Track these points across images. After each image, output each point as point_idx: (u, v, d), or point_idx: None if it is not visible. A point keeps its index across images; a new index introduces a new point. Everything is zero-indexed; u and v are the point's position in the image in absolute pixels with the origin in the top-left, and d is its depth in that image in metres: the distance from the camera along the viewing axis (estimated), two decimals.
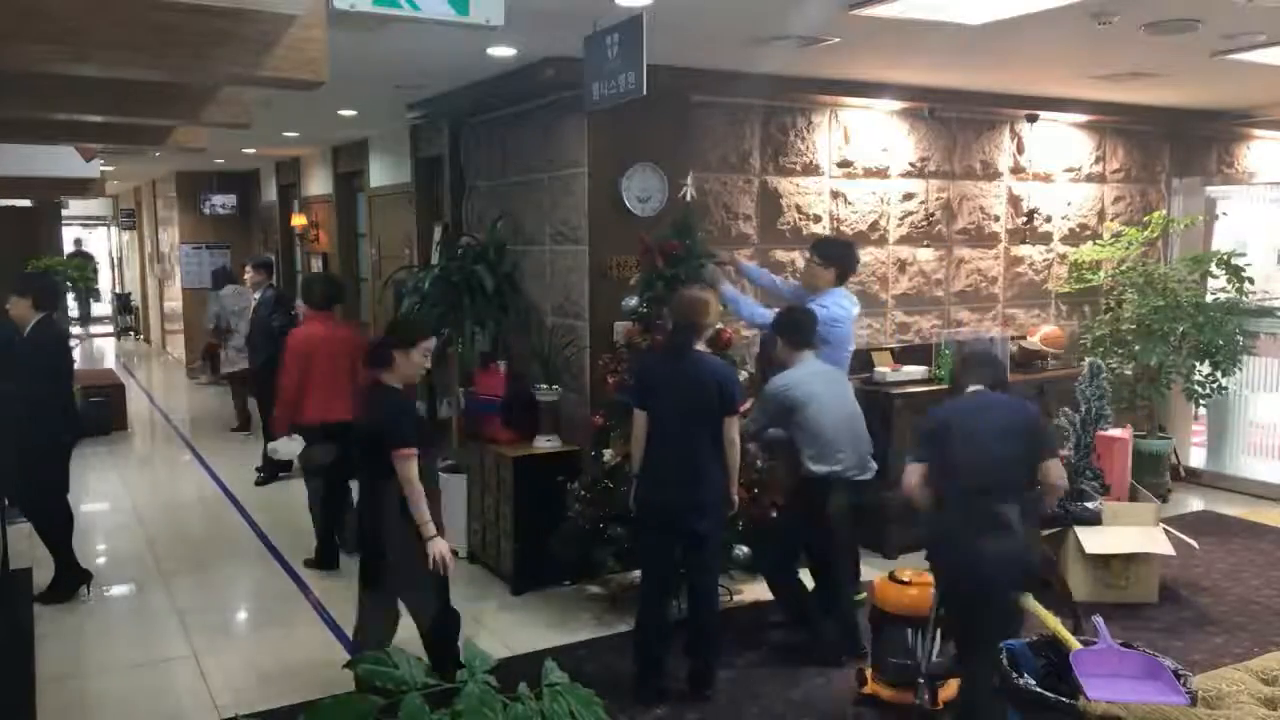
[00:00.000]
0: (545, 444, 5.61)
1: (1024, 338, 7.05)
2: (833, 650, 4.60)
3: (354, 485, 4.83)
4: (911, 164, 6.71)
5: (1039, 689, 3.10)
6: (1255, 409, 7.80)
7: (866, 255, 6.60)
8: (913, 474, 3.74)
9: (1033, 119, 7.10)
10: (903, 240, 6.74)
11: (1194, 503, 7.32)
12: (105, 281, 20.07)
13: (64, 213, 12.28)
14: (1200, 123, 7.70)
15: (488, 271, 5.84)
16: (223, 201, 13.91)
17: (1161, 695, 3.04)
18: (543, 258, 6.10)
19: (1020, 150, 7.19)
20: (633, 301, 5.18)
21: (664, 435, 4.26)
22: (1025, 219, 7.23)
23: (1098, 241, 7.46)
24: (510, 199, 6.42)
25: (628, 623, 4.71)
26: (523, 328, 5.99)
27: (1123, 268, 7.28)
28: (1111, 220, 7.64)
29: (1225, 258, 6.98)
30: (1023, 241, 7.28)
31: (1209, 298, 7.11)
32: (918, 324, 6.87)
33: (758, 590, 5.40)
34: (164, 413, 11.47)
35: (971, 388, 3.79)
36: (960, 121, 6.88)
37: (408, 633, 5.07)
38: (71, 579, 5.55)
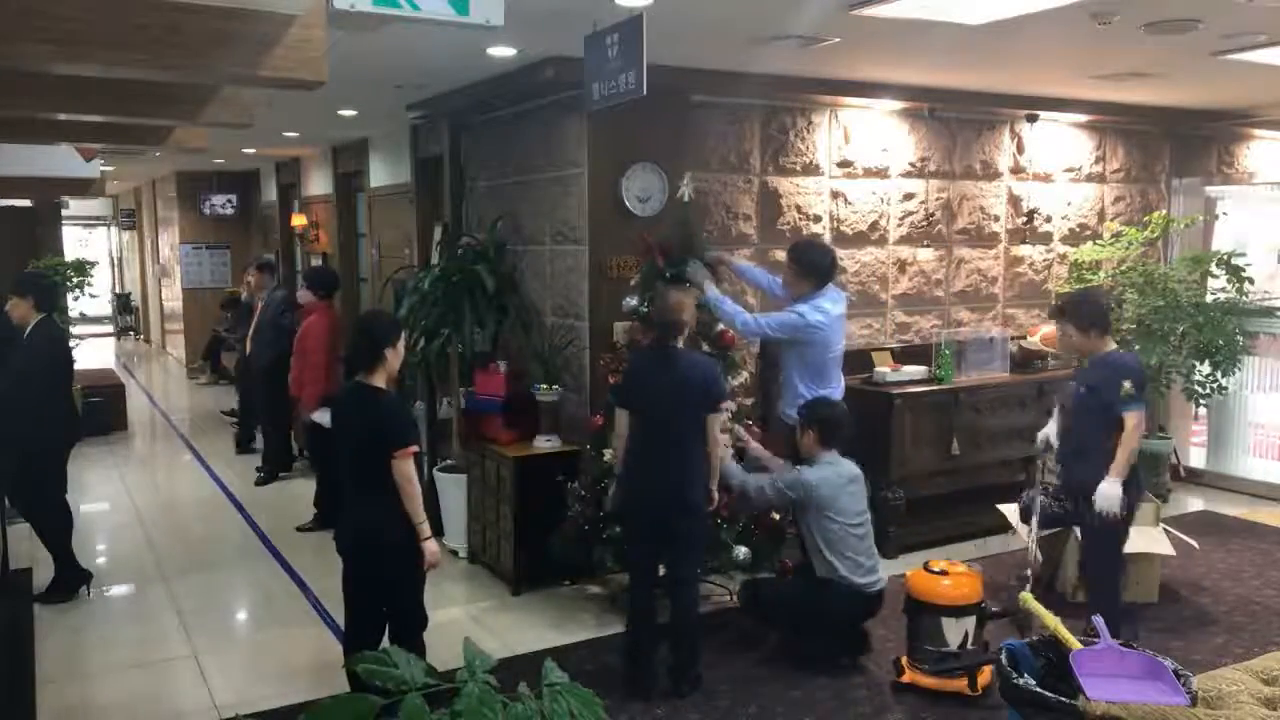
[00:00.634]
0: (545, 444, 5.61)
1: (1024, 338, 7.05)
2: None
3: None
4: (911, 164, 6.71)
5: (1039, 689, 3.09)
6: (1255, 409, 7.80)
7: (866, 255, 6.60)
8: None
9: (1033, 119, 7.10)
10: (903, 240, 6.74)
11: (1194, 503, 7.33)
12: (105, 281, 20.07)
13: (64, 213, 12.26)
14: (1200, 123, 7.70)
15: (488, 271, 5.84)
16: (223, 201, 13.92)
17: (1162, 695, 3.04)
18: (543, 258, 6.10)
19: (1020, 150, 7.19)
20: (633, 301, 5.18)
21: (647, 433, 4.30)
22: (1025, 219, 7.23)
23: (1098, 241, 7.45)
24: (510, 199, 6.42)
25: None
26: (523, 328, 5.99)
27: (1123, 268, 7.28)
28: (1111, 220, 7.63)
29: (1225, 258, 6.98)
30: (1023, 241, 7.28)
31: (1209, 298, 7.11)
32: (918, 324, 6.87)
33: None
34: (164, 413, 11.47)
35: None
36: (960, 121, 6.88)
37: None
38: (71, 579, 5.55)
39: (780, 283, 5.31)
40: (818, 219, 6.37)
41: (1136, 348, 6.89)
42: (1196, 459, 8.01)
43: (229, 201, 13.96)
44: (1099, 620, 3.40)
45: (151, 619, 5.32)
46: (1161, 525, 5.40)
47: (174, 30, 3.01)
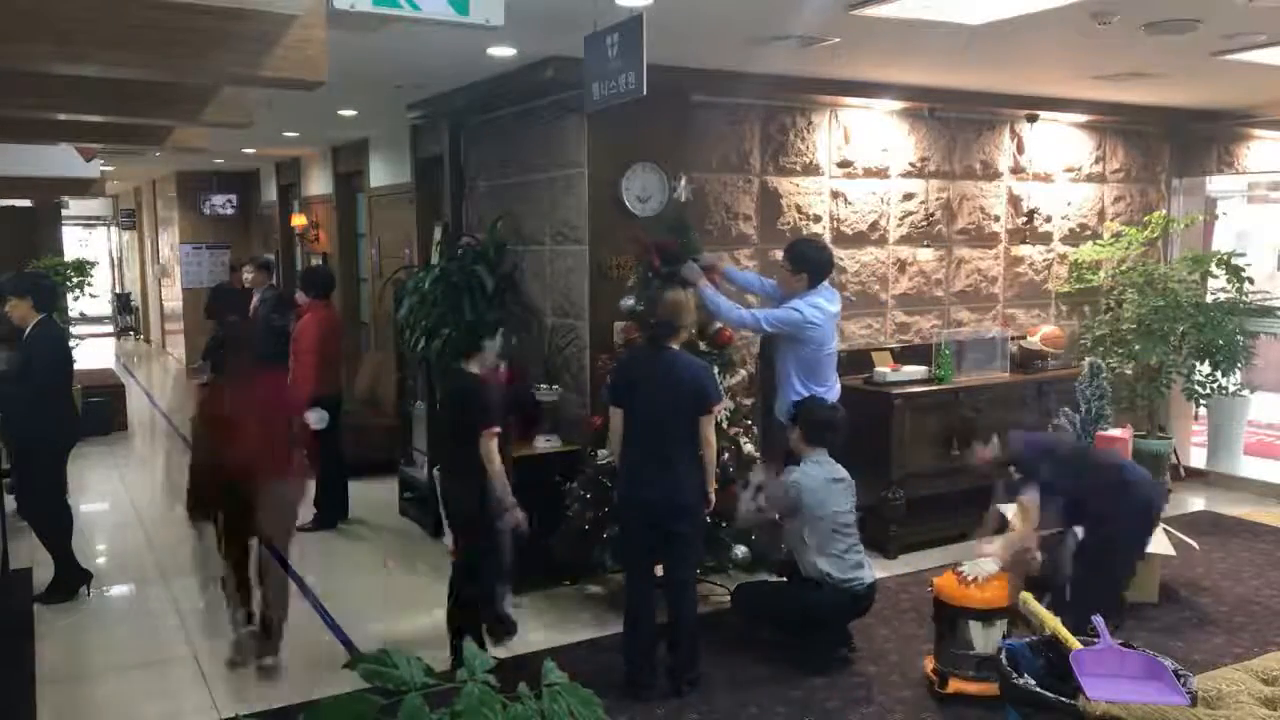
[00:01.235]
0: (545, 444, 5.61)
1: (1024, 338, 7.05)
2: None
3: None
4: (911, 164, 6.71)
5: (1039, 689, 3.09)
6: (1255, 409, 7.81)
7: (866, 255, 6.60)
8: None
9: (1033, 119, 7.10)
10: (903, 240, 6.74)
11: (1194, 503, 7.32)
12: (105, 281, 20.07)
13: (64, 213, 12.27)
14: (1200, 123, 7.70)
15: (488, 271, 5.83)
16: (223, 201, 13.91)
17: (1162, 695, 3.04)
18: (543, 258, 6.10)
19: (1020, 150, 7.19)
20: (629, 302, 5.18)
21: (640, 433, 4.30)
22: (1025, 219, 7.23)
23: (1098, 241, 7.46)
24: (510, 199, 6.42)
25: None
26: (523, 328, 5.99)
27: (1123, 268, 7.28)
28: (1111, 220, 7.64)
29: (1225, 258, 6.99)
30: (1023, 241, 7.28)
31: (1209, 298, 7.11)
32: (918, 324, 6.87)
33: None
34: (164, 413, 11.47)
35: None
36: (960, 121, 6.88)
37: (409, 632, 5.08)
38: (71, 579, 5.55)
39: (773, 285, 5.31)
40: (818, 219, 6.37)
41: (1136, 348, 6.90)
42: (1196, 459, 8.02)
43: (229, 201, 13.95)
44: (1099, 620, 3.40)
45: (151, 619, 5.32)
46: (1161, 525, 5.39)
47: (174, 30, 3.01)
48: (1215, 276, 7.08)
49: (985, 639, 4.15)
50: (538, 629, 5.06)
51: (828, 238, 6.36)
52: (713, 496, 4.40)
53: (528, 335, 5.97)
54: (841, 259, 6.44)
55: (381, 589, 5.90)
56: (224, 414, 4.44)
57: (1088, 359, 6.12)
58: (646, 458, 4.26)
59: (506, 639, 4.63)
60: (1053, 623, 3.41)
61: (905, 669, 4.53)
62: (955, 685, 4.21)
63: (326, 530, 6.72)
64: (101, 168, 9.98)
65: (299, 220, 11.47)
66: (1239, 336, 6.89)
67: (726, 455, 5.05)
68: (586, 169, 5.54)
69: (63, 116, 5.06)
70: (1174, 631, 4.96)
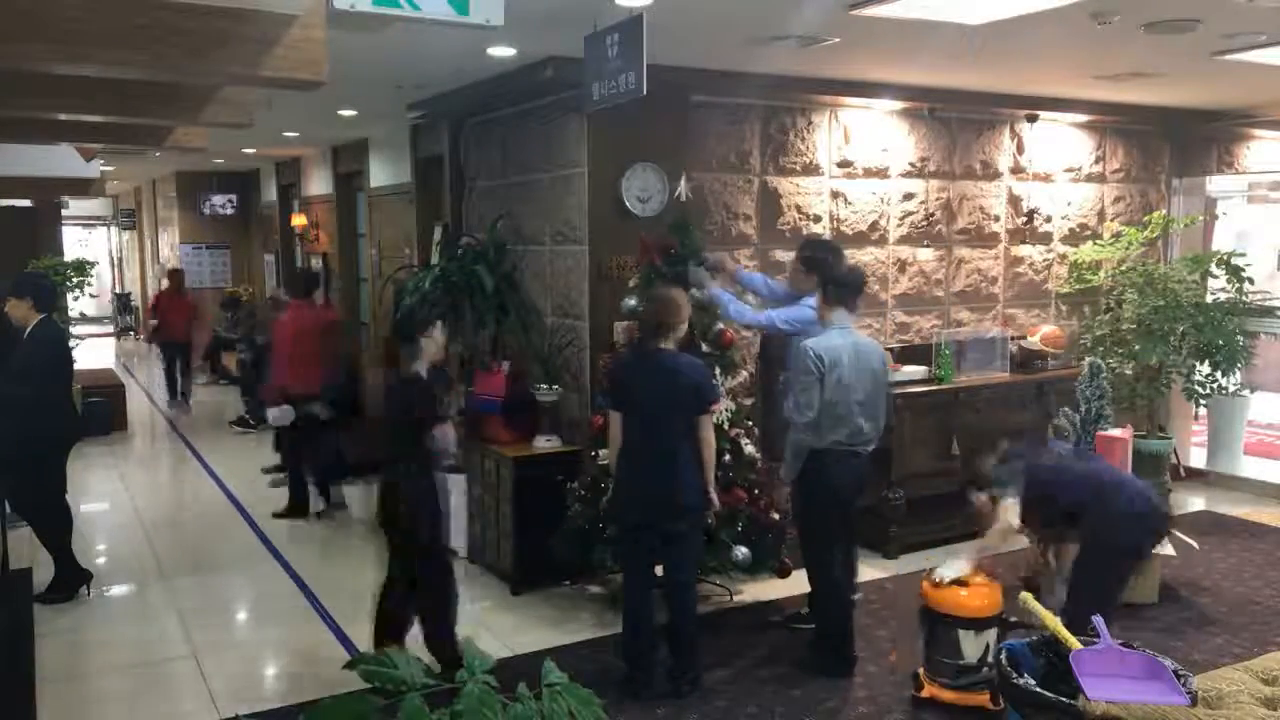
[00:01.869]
0: (545, 444, 5.61)
1: (1024, 338, 7.05)
2: (836, 662, 4.55)
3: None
4: (911, 164, 6.71)
5: (1039, 689, 3.09)
6: (1255, 409, 7.81)
7: (866, 255, 6.60)
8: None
9: (1033, 119, 7.10)
10: (903, 240, 6.74)
11: (1194, 503, 7.33)
12: (105, 281, 20.08)
13: (64, 213, 12.27)
14: (1200, 123, 7.70)
15: (488, 271, 5.84)
16: (223, 201, 13.92)
17: (1162, 695, 3.04)
18: (543, 258, 6.10)
19: (1020, 150, 7.19)
20: (631, 302, 5.18)
21: (637, 434, 4.29)
22: (1025, 219, 7.23)
23: (1098, 241, 7.45)
24: (510, 199, 6.42)
25: None
26: (523, 328, 5.99)
27: (1123, 268, 7.27)
28: (1111, 220, 7.63)
29: (1225, 258, 6.98)
30: (1023, 241, 7.28)
31: (1209, 298, 7.10)
32: (918, 324, 6.87)
33: (758, 590, 5.41)
34: (164, 413, 11.47)
35: None
36: (960, 121, 6.88)
37: (409, 632, 5.06)
38: (71, 579, 5.55)
39: (779, 287, 5.31)
40: (818, 219, 6.37)
41: (1136, 348, 6.89)
42: (1196, 459, 8.02)
43: (229, 201, 13.96)
44: (1099, 620, 3.40)
45: (151, 619, 5.32)
46: None
47: (174, 30, 3.01)
48: (1215, 276, 7.07)
49: (973, 647, 4.08)
50: (538, 629, 5.06)
51: (828, 238, 6.36)
52: (714, 497, 4.39)
53: (528, 335, 5.97)
54: None
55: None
56: None
57: (1088, 359, 6.10)
58: (643, 458, 4.26)
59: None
60: (1053, 623, 3.41)
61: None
62: (930, 690, 4.17)
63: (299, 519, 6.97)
64: (101, 168, 9.99)
65: (299, 220, 11.48)
66: (1239, 336, 6.87)
67: (728, 456, 5.05)
68: (586, 169, 5.54)
69: (63, 116, 5.07)
70: (1174, 631, 4.96)
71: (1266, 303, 7.33)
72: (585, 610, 5.31)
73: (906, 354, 6.58)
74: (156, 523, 7.04)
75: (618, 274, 5.53)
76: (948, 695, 4.13)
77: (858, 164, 6.48)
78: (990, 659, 4.07)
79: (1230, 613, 5.22)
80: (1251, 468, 7.81)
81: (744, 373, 5.57)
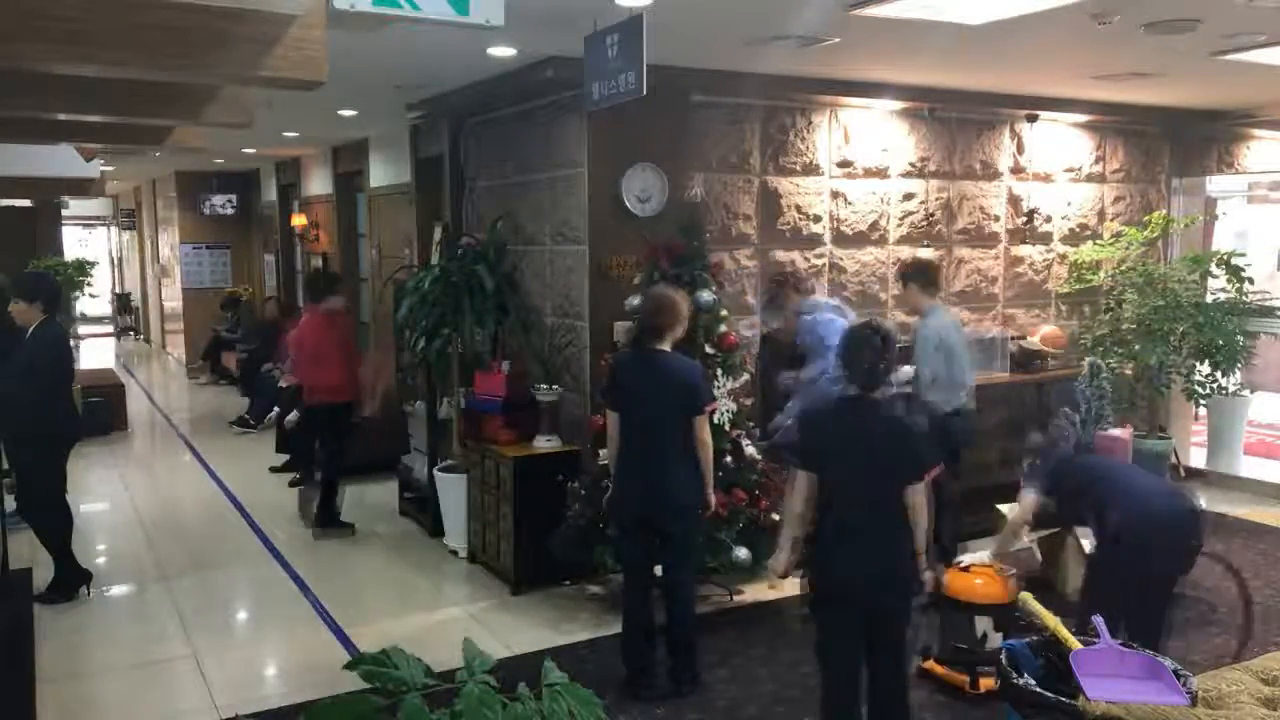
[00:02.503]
0: (545, 444, 5.61)
1: (1024, 338, 7.05)
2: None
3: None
4: (911, 164, 6.70)
5: (1039, 689, 3.09)
6: (1255, 409, 7.81)
7: (866, 255, 6.60)
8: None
9: (1033, 119, 7.09)
10: (903, 240, 6.74)
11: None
12: (105, 281, 20.07)
13: (64, 213, 12.28)
14: (1200, 123, 7.70)
15: (488, 271, 5.83)
16: (223, 201, 13.91)
17: (1161, 695, 3.04)
18: (543, 258, 6.10)
19: (1020, 150, 7.18)
20: (635, 301, 5.18)
21: (632, 435, 4.29)
22: (1025, 219, 7.23)
23: (1098, 241, 7.45)
24: (510, 199, 6.42)
25: None
26: (523, 328, 5.99)
27: (1123, 268, 7.28)
28: (1111, 220, 7.63)
29: (1225, 258, 6.98)
30: (1023, 241, 7.28)
31: (1209, 298, 7.11)
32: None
33: (758, 590, 5.40)
34: (164, 413, 11.47)
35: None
36: (960, 121, 6.88)
37: (410, 632, 5.08)
38: (71, 579, 5.55)
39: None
40: (818, 219, 6.37)
41: (1136, 348, 6.90)
42: (1196, 459, 8.01)
43: (229, 201, 13.95)
44: (1099, 620, 3.40)
45: (151, 619, 5.32)
46: None
47: (174, 30, 3.01)
48: (1215, 276, 7.08)
49: (989, 632, 4.26)
50: (538, 629, 5.06)
51: (827, 238, 6.37)
52: (712, 498, 4.39)
53: (527, 335, 5.97)
54: (841, 259, 6.46)
55: (381, 589, 5.90)
56: None
57: (1088, 359, 6.11)
58: (639, 459, 4.26)
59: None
60: (1053, 623, 3.40)
61: None
62: (928, 664, 4.39)
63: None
64: (101, 168, 9.98)
65: (299, 220, 11.48)
66: (1239, 336, 6.88)
67: (728, 458, 5.05)
68: (586, 169, 5.54)
69: (63, 116, 5.06)
70: (1174, 631, 4.95)
71: (1266, 303, 7.33)
72: (585, 610, 5.31)
73: (906, 354, 6.56)
74: (156, 523, 7.04)
75: (618, 274, 5.53)
76: (940, 670, 4.36)
77: (858, 164, 6.48)
78: (987, 644, 4.25)
79: (1230, 613, 5.21)
80: (1251, 468, 7.80)
81: (745, 375, 5.56)
